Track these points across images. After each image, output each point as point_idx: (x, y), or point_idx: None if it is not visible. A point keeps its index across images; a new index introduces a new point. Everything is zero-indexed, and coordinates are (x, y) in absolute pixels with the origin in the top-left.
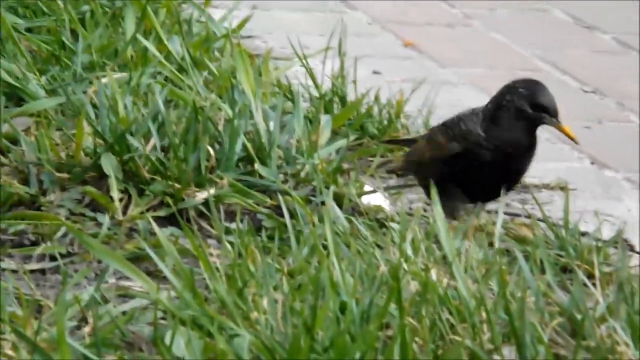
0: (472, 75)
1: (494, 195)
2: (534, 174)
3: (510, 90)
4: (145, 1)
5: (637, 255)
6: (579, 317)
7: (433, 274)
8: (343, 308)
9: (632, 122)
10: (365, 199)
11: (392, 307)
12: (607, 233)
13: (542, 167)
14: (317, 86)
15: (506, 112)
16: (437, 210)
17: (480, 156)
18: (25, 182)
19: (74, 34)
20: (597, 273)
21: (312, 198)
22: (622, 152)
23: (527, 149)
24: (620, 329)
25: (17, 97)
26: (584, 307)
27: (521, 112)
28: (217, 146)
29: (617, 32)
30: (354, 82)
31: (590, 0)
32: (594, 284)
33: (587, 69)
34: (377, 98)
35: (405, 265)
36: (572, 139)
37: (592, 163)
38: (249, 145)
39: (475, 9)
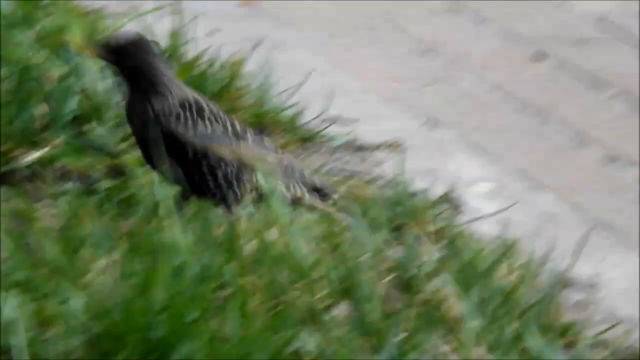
0: (311, 36)
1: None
2: (368, 133)
3: None
4: None
5: (467, 212)
6: (411, 272)
7: (271, 234)
8: (181, 269)
9: (464, 81)
10: None
11: (230, 267)
12: (438, 191)
13: (376, 127)
14: None
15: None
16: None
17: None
18: None
19: None
20: (428, 230)
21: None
22: (454, 111)
23: (142, 112)
24: (449, 283)
25: None
26: (416, 262)
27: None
28: (49, 105)
29: None
30: (192, 41)
31: None
32: (426, 241)
33: (423, 29)
34: (215, 58)
35: (243, 225)
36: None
37: (424, 122)
38: (82, 104)
39: None
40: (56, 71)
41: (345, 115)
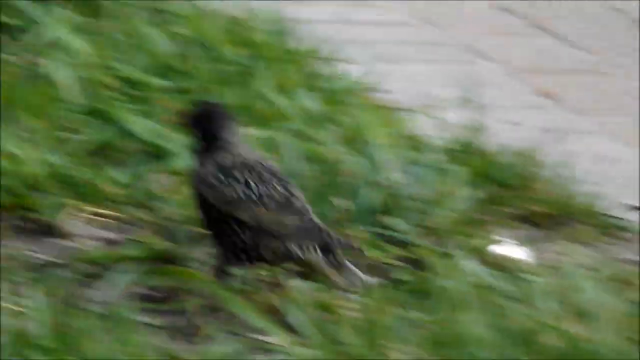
0: (611, 125)
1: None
2: None
3: None
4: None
5: None
6: None
7: (573, 328)
8: None
9: None
10: (501, 250)
11: None
12: None
13: None
14: (448, 137)
15: None
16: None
17: None
18: (163, 237)
19: (211, 93)
20: None
21: (447, 250)
22: None
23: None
24: None
25: (158, 155)
26: None
27: None
28: (352, 199)
29: None
30: (488, 131)
31: None
32: None
33: None
34: (511, 148)
35: (543, 319)
36: None
37: None
38: (382, 197)
39: (609, 56)
40: (358, 166)
41: None
